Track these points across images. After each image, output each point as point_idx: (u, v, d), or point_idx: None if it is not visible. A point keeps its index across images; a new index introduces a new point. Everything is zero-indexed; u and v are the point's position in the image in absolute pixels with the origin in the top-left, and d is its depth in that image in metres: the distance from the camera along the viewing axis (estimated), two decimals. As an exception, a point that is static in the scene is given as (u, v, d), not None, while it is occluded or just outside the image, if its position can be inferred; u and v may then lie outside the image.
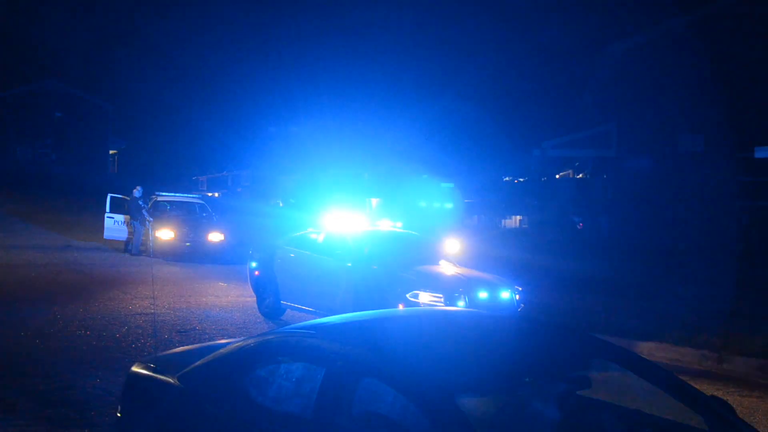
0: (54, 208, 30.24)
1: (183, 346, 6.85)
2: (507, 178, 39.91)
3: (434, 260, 11.06)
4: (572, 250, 21.82)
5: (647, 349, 9.52)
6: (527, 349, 3.60)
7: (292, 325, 4.11)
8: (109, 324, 10.20)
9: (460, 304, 9.52)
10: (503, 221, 33.99)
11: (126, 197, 20.70)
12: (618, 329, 10.27)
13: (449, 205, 32.24)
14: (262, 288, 11.82)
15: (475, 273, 10.69)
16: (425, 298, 9.63)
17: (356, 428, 3.24)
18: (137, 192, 20.18)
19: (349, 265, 10.50)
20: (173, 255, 19.89)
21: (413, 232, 12.49)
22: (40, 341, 9.01)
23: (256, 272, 12.00)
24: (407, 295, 9.66)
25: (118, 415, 4.33)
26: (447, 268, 10.73)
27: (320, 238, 11.38)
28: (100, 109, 51.32)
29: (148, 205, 20.76)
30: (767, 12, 22.03)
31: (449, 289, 9.77)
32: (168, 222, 20.55)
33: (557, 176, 30.65)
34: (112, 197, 20.94)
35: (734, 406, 4.26)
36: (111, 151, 54.44)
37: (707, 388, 7.59)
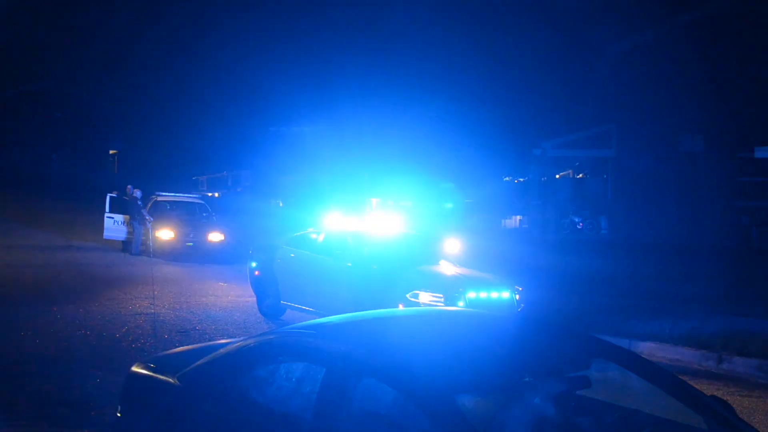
0: (54, 208, 30.23)
1: (183, 346, 6.86)
2: (507, 178, 39.87)
3: (434, 260, 11.06)
4: (572, 249, 21.83)
5: (647, 349, 9.52)
6: (527, 349, 3.60)
7: (292, 325, 4.11)
8: (109, 324, 10.20)
9: (460, 304, 9.52)
10: (503, 221, 33.95)
11: (124, 197, 20.68)
12: (618, 329, 10.28)
13: (449, 205, 32.21)
14: (262, 288, 11.82)
15: (475, 273, 10.69)
16: (425, 298, 9.63)
17: (356, 428, 3.24)
18: (138, 192, 20.18)
19: (349, 265, 10.50)
20: (173, 255, 19.89)
21: (413, 232, 12.49)
22: (40, 341, 9.01)
23: (256, 272, 11.99)
24: (407, 295, 9.66)
25: (118, 415, 4.33)
26: (447, 268, 10.72)
27: (320, 238, 11.38)
28: (100, 109, 51.30)
29: (146, 205, 20.76)
30: (767, 12, 22.03)
31: (449, 289, 9.77)
32: (168, 222, 20.54)
33: (557, 176, 30.64)
34: (111, 197, 20.94)
35: (734, 406, 4.26)
36: (111, 151, 54.42)
37: (707, 388, 7.59)
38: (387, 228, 11.95)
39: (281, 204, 39.08)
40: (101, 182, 33.23)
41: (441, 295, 9.62)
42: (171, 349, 5.72)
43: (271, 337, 3.90)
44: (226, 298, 13.28)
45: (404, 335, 3.62)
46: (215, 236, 20.80)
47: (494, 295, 9.92)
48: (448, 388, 3.05)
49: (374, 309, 6.06)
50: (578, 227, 26.59)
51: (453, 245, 12.84)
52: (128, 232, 20.49)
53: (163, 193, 22.52)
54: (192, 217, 21.61)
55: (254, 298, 12.11)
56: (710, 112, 22.65)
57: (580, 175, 30.61)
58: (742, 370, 8.75)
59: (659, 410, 3.60)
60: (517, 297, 10.20)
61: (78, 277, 15.07)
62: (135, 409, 4.25)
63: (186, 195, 24.67)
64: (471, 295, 9.70)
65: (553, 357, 3.59)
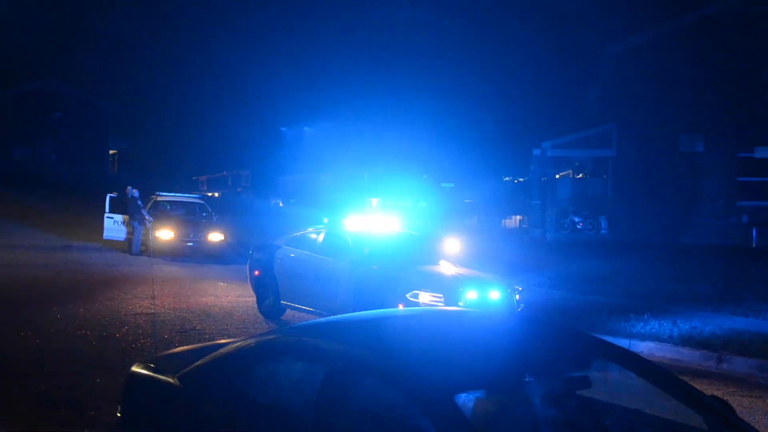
0: (54, 208, 30.22)
1: (183, 346, 6.86)
2: (507, 178, 39.91)
3: (434, 260, 11.05)
4: (572, 250, 21.82)
5: (647, 349, 9.52)
6: (527, 349, 3.60)
7: (292, 325, 4.11)
8: (109, 324, 10.20)
9: (460, 304, 9.51)
10: (503, 221, 33.98)
11: (123, 198, 20.70)
12: (618, 329, 10.28)
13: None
14: (262, 288, 11.83)
15: (475, 273, 10.69)
16: (425, 298, 9.62)
17: (356, 428, 3.24)
18: (135, 192, 20.20)
19: (349, 265, 10.50)
20: (173, 255, 19.90)
21: (413, 232, 12.49)
22: (40, 341, 9.01)
23: (256, 272, 12.00)
24: (407, 295, 9.66)
25: (118, 415, 4.33)
26: (447, 268, 10.72)
27: (320, 238, 11.38)
28: (100, 109, 51.33)
29: (146, 205, 20.78)
30: (767, 12, 22.04)
31: (449, 289, 9.76)
32: (168, 222, 20.56)
33: (557, 176, 30.64)
34: (111, 197, 20.96)
35: (734, 406, 4.26)
36: (111, 151, 54.44)
37: (707, 388, 7.59)
38: (387, 228, 11.95)
39: (281, 204, 39.13)
40: (101, 182, 33.26)
41: (441, 295, 9.62)
42: (171, 349, 5.72)
43: (271, 337, 3.90)
44: (226, 298, 13.28)
45: (404, 335, 3.61)
46: (215, 236, 20.82)
47: (494, 295, 9.92)
48: (448, 388, 3.05)
49: (374, 309, 6.06)
50: (578, 227, 26.60)
51: (453, 245, 12.84)
52: (128, 232, 20.51)
53: (163, 193, 22.54)
54: (192, 217, 21.64)
55: (254, 298, 12.11)
56: (710, 112, 22.66)
57: (580, 175, 30.61)
58: (742, 370, 8.75)
59: (659, 410, 3.60)
60: (517, 297, 10.20)
61: (78, 277, 15.07)
62: (135, 409, 4.25)
63: (186, 195, 24.69)
64: (471, 295, 9.70)
65: (553, 357, 3.59)
